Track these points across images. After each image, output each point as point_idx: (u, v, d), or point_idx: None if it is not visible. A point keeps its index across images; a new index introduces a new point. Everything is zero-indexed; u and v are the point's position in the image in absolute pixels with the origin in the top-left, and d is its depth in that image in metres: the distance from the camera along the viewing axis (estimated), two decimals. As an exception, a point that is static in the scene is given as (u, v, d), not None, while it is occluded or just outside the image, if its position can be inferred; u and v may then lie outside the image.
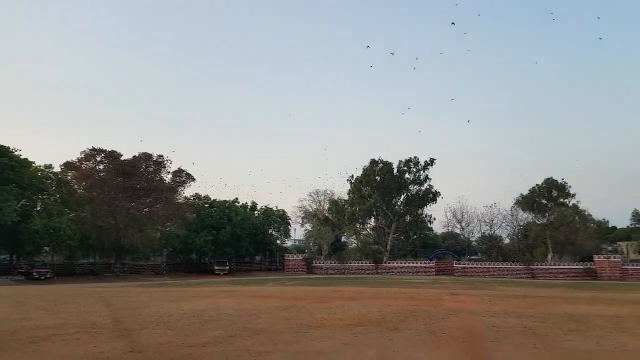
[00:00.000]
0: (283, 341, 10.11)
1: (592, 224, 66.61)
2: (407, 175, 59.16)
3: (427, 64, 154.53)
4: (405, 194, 59.41)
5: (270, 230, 62.11)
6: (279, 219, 62.38)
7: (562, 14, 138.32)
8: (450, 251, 61.66)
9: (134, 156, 48.27)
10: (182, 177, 51.39)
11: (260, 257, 63.99)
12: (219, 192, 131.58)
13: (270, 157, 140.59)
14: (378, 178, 59.16)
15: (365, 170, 60.75)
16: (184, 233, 50.64)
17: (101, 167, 47.15)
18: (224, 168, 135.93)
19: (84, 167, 46.36)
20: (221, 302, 18.75)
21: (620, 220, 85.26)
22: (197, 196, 56.80)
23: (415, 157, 59.10)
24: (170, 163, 49.76)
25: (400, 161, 59.40)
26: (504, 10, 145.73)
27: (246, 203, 61.71)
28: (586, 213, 62.23)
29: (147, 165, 49.10)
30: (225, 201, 57.25)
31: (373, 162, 60.35)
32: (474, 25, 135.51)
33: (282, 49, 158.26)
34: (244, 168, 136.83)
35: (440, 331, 11.50)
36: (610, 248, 68.46)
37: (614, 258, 50.61)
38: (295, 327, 11.87)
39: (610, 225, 77.62)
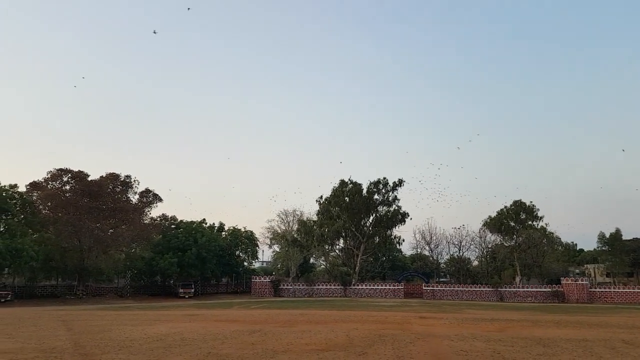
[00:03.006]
0: (248, 367, 9.84)
1: (559, 247, 68.18)
2: (376, 196, 59.32)
3: (401, 86, 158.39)
4: (374, 215, 59.48)
5: (237, 252, 61.36)
6: (247, 240, 61.62)
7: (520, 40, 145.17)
8: (419, 273, 61.78)
9: (101, 176, 47.81)
10: (149, 197, 50.61)
11: (227, 280, 62.73)
12: (194, 213, 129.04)
13: (239, 179, 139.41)
14: (347, 199, 59.14)
15: (334, 190, 60.70)
16: (149, 255, 49.69)
17: (67, 187, 46.35)
18: (197, 189, 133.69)
19: (50, 188, 45.46)
20: (186, 326, 18.43)
21: (588, 243, 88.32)
22: (163, 217, 55.73)
23: (384, 178, 59.57)
24: (138, 184, 49.27)
25: (370, 182, 59.75)
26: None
27: (213, 224, 60.92)
28: (554, 236, 63.84)
29: (114, 186, 48.67)
30: (192, 222, 56.22)
31: (342, 183, 60.41)
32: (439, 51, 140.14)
33: (255, 70, 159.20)
34: (216, 189, 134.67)
35: (409, 356, 11.36)
36: (577, 271, 69.94)
37: (581, 281, 50.94)
38: (261, 352, 11.69)
39: (577, 248, 79.81)
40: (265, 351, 11.80)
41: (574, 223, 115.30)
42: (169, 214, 57.10)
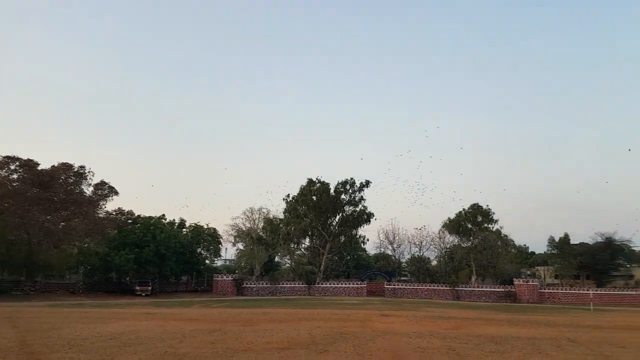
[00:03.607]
0: (207, 366, 9.67)
1: (513, 249, 71.20)
2: (343, 196, 59.85)
3: (366, 89, 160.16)
4: (340, 215, 59.98)
5: (199, 249, 60.04)
6: (209, 238, 60.44)
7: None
8: (381, 272, 62.91)
9: (53, 166, 45.01)
10: (105, 190, 48.45)
11: (187, 278, 61.39)
12: (156, 209, 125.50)
13: (205, 176, 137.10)
14: (315, 198, 59.36)
15: (302, 189, 60.77)
16: (103, 250, 47.57)
17: (15, 176, 43.41)
18: (161, 185, 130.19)
19: (-5, 176, 42.56)
20: (142, 324, 17.94)
21: (538, 246, 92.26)
22: (120, 211, 53.67)
23: (351, 179, 60.15)
24: (93, 175, 46.87)
25: (338, 182, 60.18)
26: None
27: (174, 220, 59.24)
28: (508, 238, 66.56)
29: (67, 177, 45.95)
30: (150, 217, 54.37)
31: (310, 182, 60.56)
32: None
33: (221, 64, 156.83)
34: (180, 186, 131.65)
35: (369, 353, 11.54)
36: (529, 272, 73.09)
37: (532, 282, 53.32)
38: (221, 351, 11.50)
39: (529, 251, 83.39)
40: (225, 350, 11.63)
41: (527, 227, 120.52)
42: (137, 211, 55.48)
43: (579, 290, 52.39)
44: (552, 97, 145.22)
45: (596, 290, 51.77)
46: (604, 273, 62.64)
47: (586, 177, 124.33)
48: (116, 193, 49.40)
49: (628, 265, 66.42)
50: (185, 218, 60.90)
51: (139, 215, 54.72)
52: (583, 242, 66.44)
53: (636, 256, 69.34)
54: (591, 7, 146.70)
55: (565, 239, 64.32)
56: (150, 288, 48.17)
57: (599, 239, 64.13)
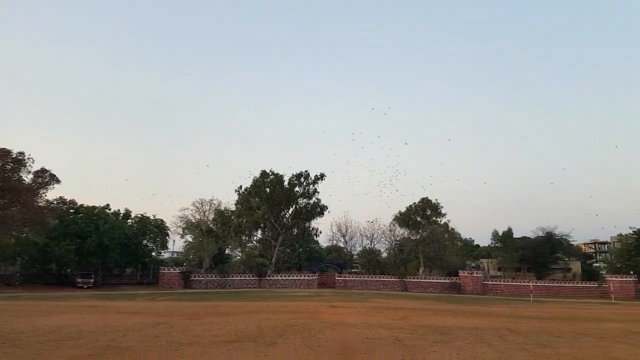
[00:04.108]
0: (151, 360, 9.50)
1: (459, 242, 74.01)
2: (297, 189, 59.68)
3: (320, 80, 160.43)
4: (294, 207, 59.82)
5: (145, 241, 58.15)
6: (156, 229, 58.57)
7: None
8: (333, 264, 63.63)
9: (-11, 152, 42.05)
10: (45, 178, 45.67)
11: (132, 270, 59.32)
12: (102, 199, 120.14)
13: (155, 165, 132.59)
14: (268, 190, 58.84)
15: (255, 181, 60.03)
16: (42, 241, 45.15)
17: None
18: (108, 176, 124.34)
19: None
20: (83, 318, 17.38)
21: (483, 239, 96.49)
22: (61, 200, 50.89)
23: (306, 171, 59.99)
24: (33, 162, 44.19)
25: (293, 174, 59.94)
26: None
27: (119, 210, 56.87)
28: (455, 231, 69.10)
29: (4, 163, 42.99)
30: (93, 207, 51.97)
31: (264, 174, 59.92)
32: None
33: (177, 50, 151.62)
34: (127, 176, 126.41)
35: (317, 345, 11.67)
36: (473, 264, 76.13)
37: (476, 274, 55.59)
38: (166, 345, 11.30)
39: (474, 244, 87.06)
40: (170, 344, 11.42)
41: (473, 221, 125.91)
42: (80, 201, 52.62)
43: (520, 282, 55.07)
44: (502, 91, 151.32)
45: (536, 283, 54.85)
46: (543, 266, 66.17)
47: (531, 174, 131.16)
48: (58, 181, 46.95)
49: (566, 259, 69.96)
50: (131, 209, 58.77)
51: (81, 205, 52.18)
52: (525, 236, 69.93)
53: (574, 250, 73.45)
54: None
55: (509, 232, 67.31)
56: (92, 280, 46.80)
57: (540, 234, 67.77)
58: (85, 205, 52.15)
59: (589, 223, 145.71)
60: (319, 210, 59.70)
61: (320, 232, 61.78)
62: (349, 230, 67.44)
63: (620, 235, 68.67)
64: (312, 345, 11.54)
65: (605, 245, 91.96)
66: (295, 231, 60.58)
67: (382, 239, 66.63)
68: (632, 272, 52.59)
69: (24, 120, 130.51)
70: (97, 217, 49.56)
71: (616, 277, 52.32)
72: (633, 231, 59.23)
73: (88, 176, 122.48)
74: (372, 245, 66.69)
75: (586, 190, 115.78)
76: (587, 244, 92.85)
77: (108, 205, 54.69)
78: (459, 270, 56.96)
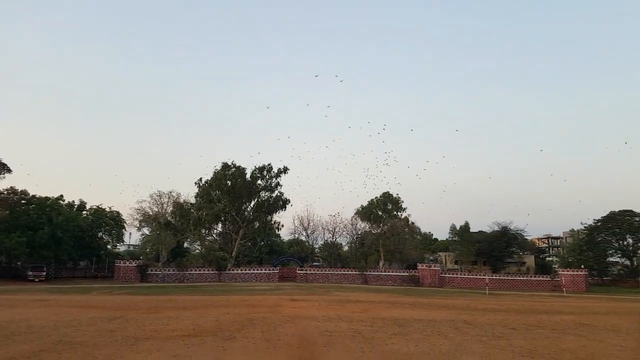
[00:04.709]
0: (105, 355, 9.27)
1: (418, 236, 75.66)
2: (259, 182, 59.11)
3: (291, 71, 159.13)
4: (256, 200, 59.21)
5: (100, 234, 56.41)
6: (112, 222, 56.80)
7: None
8: (294, 258, 63.59)
9: None
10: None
11: (86, 263, 57.18)
12: (58, 191, 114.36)
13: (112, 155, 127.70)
14: (229, 182, 57.90)
15: (216, 173, 58.91)
16: (-9, 232, 42.69)
17: None
18: (66, 166, 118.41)
19: None
20: (34, 312, 16.80)
21: (441, 233, 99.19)
22: (12, 190, 48.31)
23: (269, 164, 59.54)
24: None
25: (255, 167, 59.24)
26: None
27: (73, 202, 54.68)
28: (415, 225, 70.52)
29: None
30: (46, 198, 49.52)
31: (225, 166, 58.87)
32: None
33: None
34: (84, 167, 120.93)
35: (277, 338, 11.59)
36: (432, 258, 78.10)
37: (434, 267, 56.98)
38: (121, 339, 10.98)
39: (433, 238, 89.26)
40: (125, 338, 11.09)
41: (431, 215, 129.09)
42: (33, 191, 49.92)
43: (476, 276, 56.94)
44: (462, 87, 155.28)
45: (492, 276, 56.61)
46: (499, 260, 68.78)
47: (488, 170, 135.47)
48: (9, 170, 45.85)
49: (521, 253, 72.76)
50: (86, 200, 56.60)
51: (33, 196, 49.62)
52: (481, 231, 72.38)
53: (528, 245, 76.47)
54: None
55: (466, 227, 69.38)
56: (44, 273, 45.27)
57: (496, 228, 70.30)
58: (37, 196, 49.77)
59: (542, 218, 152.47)
60: (281, 203, 59.45)
61: (282, 226, 61.60)
62: (311, 224, 67.68)
63: (572, 230, 72.34)
64: (272, 339, 11.45)
65: (558, 240, 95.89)
66: (257, 224, 60.13)
67: (343, 233, 67.34)
68: (582, 267, 55.11)
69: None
70: (50, 208, 47.61)
71: (568, 271, 54.45)
72: (584, 227, 62.46)
73: (43, 166, 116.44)
74: (334, 239, 67.26)
75: (540, 187, 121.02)
76: (541, 238, 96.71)
77: (62, 196, 52.46)
78: (418, 264, 58.23)
